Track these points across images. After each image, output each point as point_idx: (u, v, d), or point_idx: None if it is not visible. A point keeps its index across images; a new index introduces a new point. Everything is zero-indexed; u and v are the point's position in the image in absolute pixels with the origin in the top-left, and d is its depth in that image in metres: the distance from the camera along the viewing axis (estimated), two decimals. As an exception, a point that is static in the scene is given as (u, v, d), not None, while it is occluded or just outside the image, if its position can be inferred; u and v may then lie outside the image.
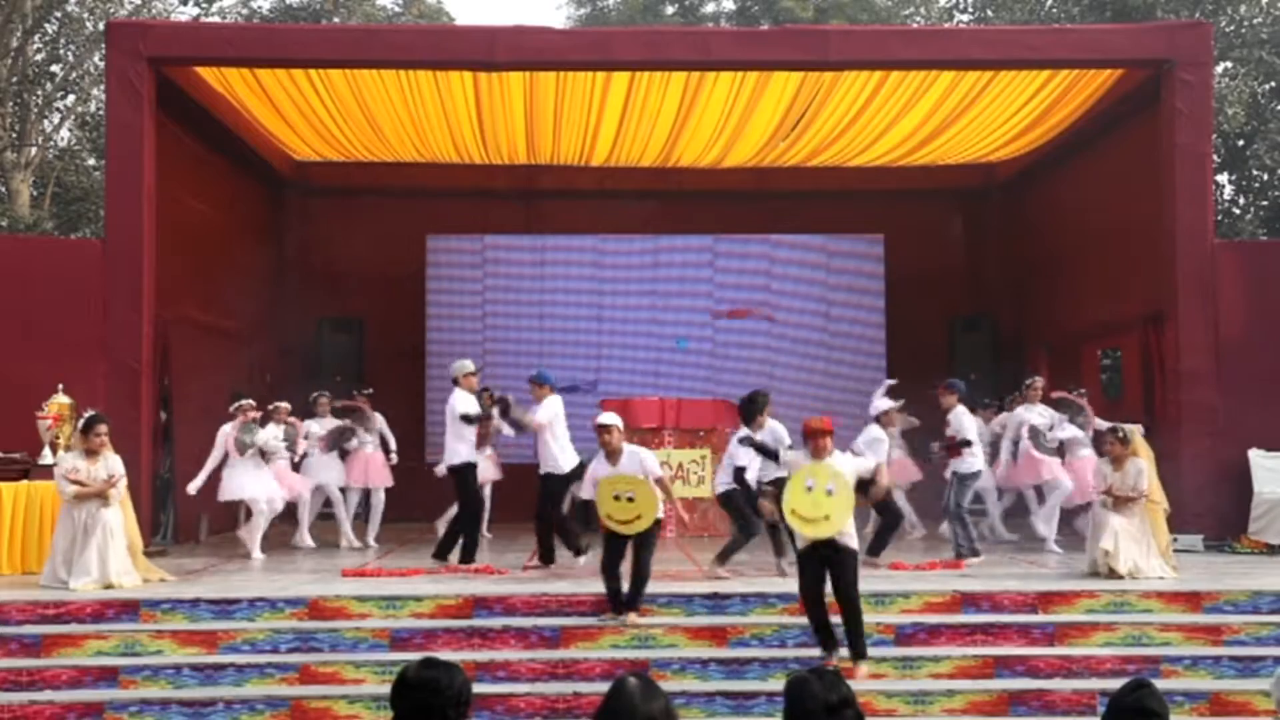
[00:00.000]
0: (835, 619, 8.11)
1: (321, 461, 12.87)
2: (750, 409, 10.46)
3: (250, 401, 11.99)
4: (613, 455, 9.03)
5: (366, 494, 13.16)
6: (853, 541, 7.99)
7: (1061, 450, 12.48)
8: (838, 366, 17.44)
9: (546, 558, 10.90)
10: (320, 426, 12.94)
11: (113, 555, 9.61)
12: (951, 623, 8.92)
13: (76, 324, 12.00)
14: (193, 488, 11.71)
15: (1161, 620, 8.97)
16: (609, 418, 9.16)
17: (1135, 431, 10.32)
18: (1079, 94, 14.13)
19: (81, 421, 9.97)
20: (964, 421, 11.21)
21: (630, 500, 8.63)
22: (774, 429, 10.43)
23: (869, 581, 9.32)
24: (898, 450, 12.73)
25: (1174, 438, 12.35)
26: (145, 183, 12.22)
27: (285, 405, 12.49)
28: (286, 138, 16.09)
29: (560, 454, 10.85)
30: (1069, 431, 12.32)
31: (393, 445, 13.29)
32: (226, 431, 11.76)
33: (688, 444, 14.07)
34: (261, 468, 11.83)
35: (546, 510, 10.89)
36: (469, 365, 11.23)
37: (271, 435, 11.96)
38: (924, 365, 15.18)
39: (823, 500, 7.86)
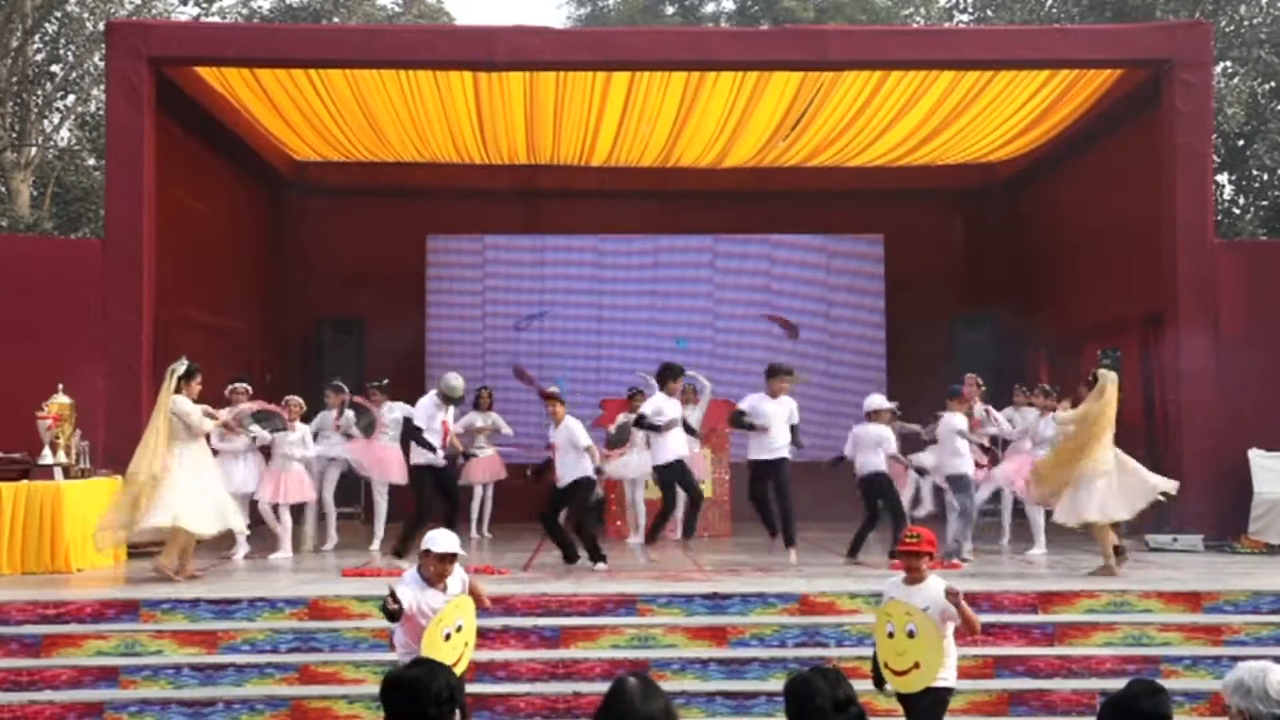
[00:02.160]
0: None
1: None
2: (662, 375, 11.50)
3: (246, 386, 11.85)
4: (439, 580, 6.52)
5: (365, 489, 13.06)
6: (945, 680, 6.20)
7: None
8: (838, 367, 17.42)
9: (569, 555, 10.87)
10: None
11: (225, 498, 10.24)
12: (951, 623, 8.91)
13: (76, 324, 11.99)
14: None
15: (1161, 620, 8.99)
16: (452, 546, 6.52)
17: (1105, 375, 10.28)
18: (1079, 94, 14.12)
19: (184, 368, 10.01)
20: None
21: (459, 630, 6.29)
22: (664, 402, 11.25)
23: (867, 582, 9.33)
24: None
25: (1174, 438, 12.34)
26: (145, 183, 12.23)
27: (297, 400, 12.12)
28: (286, 138, 16.08)
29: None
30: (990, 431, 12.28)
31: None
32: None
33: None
34: (240, 460, 11.59)
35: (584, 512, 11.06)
36: (459, 389, 11.02)
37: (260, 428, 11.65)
38: (924, 365, 15.18)
39: (906, 645, 6.11)
